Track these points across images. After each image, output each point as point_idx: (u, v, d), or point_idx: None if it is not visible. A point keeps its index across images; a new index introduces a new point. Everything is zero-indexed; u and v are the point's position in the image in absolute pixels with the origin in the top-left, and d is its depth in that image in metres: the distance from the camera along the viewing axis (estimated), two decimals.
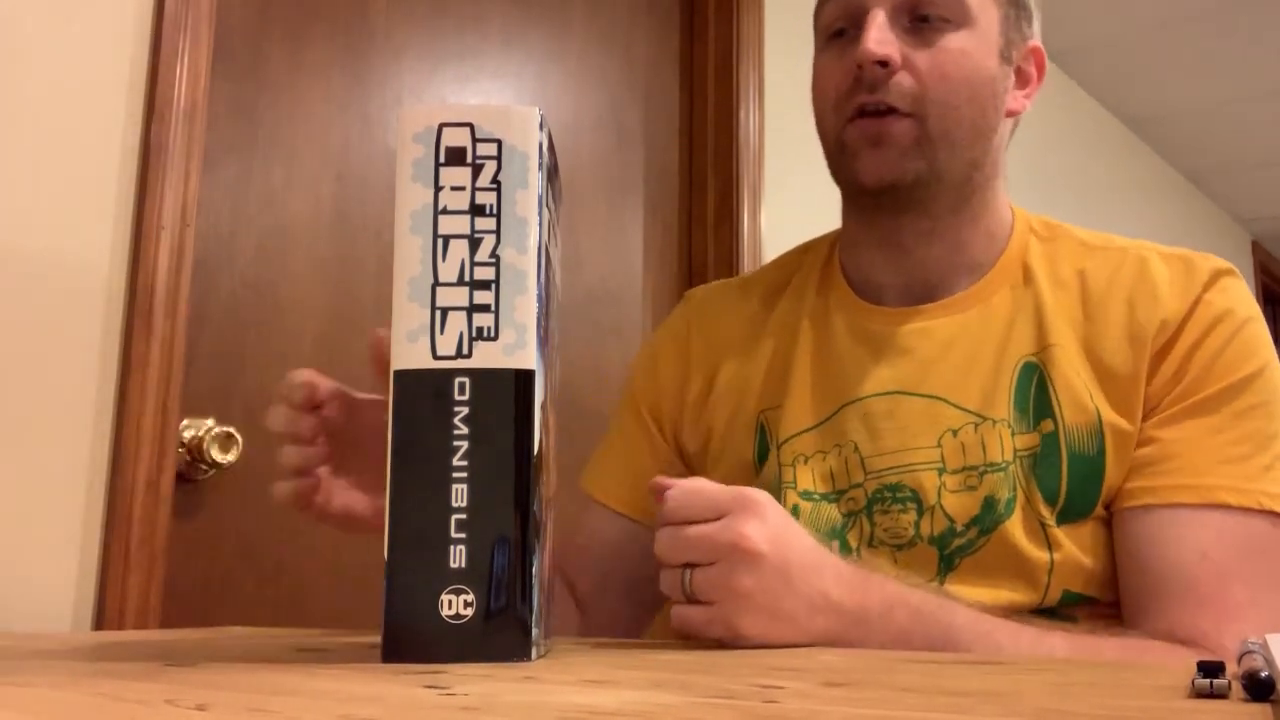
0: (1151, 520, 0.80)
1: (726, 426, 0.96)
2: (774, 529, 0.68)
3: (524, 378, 0.57)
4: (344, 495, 0.81)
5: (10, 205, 1.15)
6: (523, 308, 0.57)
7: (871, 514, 0.86)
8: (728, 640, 0.68)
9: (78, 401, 1.18)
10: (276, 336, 1.43)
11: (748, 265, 1.97)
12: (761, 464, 0.92)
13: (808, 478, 0.89)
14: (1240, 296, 0.85)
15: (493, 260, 0.57)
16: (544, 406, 0.60)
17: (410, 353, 0.57)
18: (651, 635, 0.99)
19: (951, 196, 0.89)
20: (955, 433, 0.85)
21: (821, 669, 0.54)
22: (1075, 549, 0.81)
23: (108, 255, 1.22)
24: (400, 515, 0.56)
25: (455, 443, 0.56)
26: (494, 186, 0.58)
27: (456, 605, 0.55)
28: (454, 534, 0.55)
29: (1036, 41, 0.94)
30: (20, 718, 0.39)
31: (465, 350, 0.57)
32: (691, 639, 0.69)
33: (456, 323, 0.57)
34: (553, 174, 0.65)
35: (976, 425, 0.85)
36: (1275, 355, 0.85)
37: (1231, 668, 0.42)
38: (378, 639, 0.56)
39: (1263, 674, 0.38)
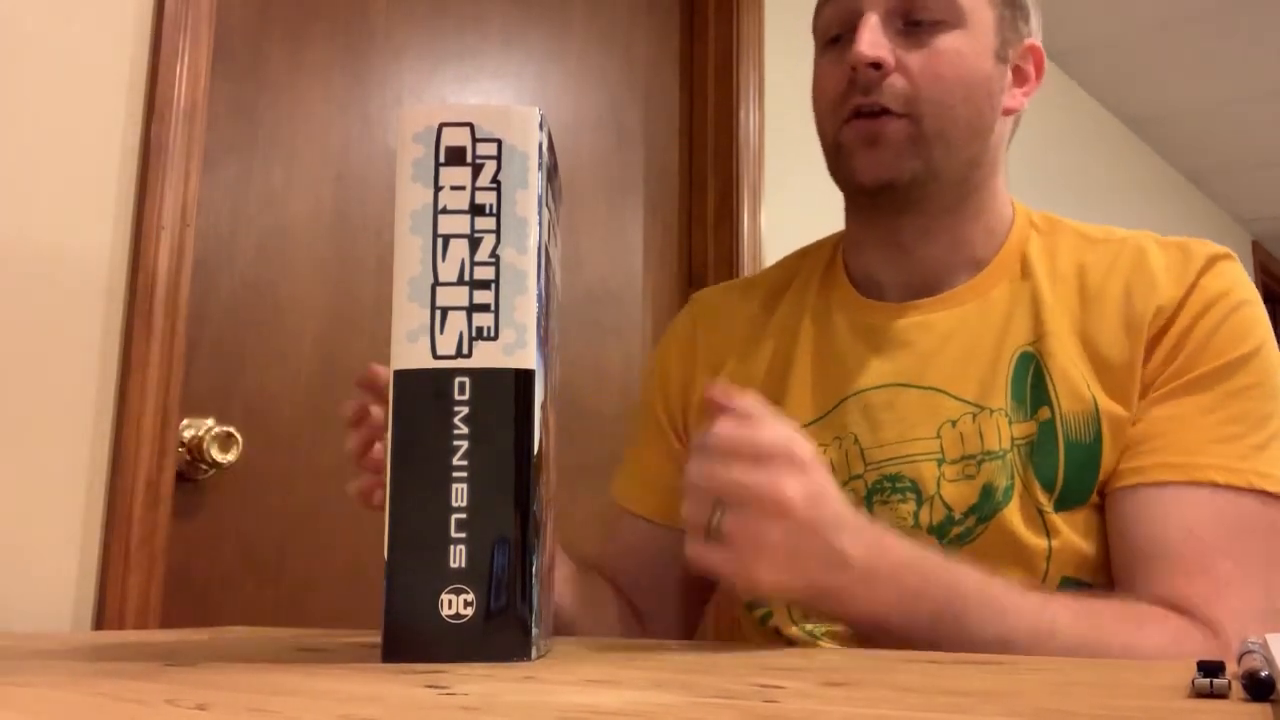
0: (1140, 498, 0.81)
1: None
2: (813, 486, 0.67)
3: (524, 377, 0.57)
4: None
5: (10, 205, 1.15)
6: (523, 308, 0.57)
7: (871, 504, 0.87)
8: (741, 588, 0.68)
9: (78, 401, 1.18)
10: (276, 336, 1.43)
11: (748, 265, 1.97)
12: None
13: None
14: (1236, 279, 0.85)
15: (493, 260, 0.57)
16: (544, 406, 0.60)
17: (410, 352, 0.57)
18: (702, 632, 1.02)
19: (950, 195, 0.90)
20: (954, 423, 0.86)
21: (821, 669, 0.54)
22: (1073, 535, 0.82)
23: (108, 255, 1.22)
24: (400, 515, 0.56)
25: (455, 442, 0.56)
26: (494, 186, 0.58)
27: (456, 605, 0.55)
28: (454, 534, 0.55)
29: (1035, 40, 0.94)
30: (20, 718, 0.39)
31: (465, 350, 0.57)
32: (698, 572, 0.68)
33: (456, 322, 0.57)
34: (553, 174, 0.65)
35: (974, 415, 0.86)
36: (1272, 337, 0.84)
37: (1231, 668, 0.42)
38: (378, 639, 0.56)
39: (1263, 674, 0.38)
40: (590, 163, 1.89)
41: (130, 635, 0.91)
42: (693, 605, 1.00)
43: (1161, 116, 3.62)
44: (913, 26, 0.87)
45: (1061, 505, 0.82)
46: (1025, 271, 0.90)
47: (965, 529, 0.83)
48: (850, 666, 0.55)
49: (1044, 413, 0.84)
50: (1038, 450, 0.83)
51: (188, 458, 1.31)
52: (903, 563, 0.71)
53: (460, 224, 0.58)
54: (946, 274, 0.92)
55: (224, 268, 1.38)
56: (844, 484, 0.88)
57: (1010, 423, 0.84)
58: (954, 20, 0.88)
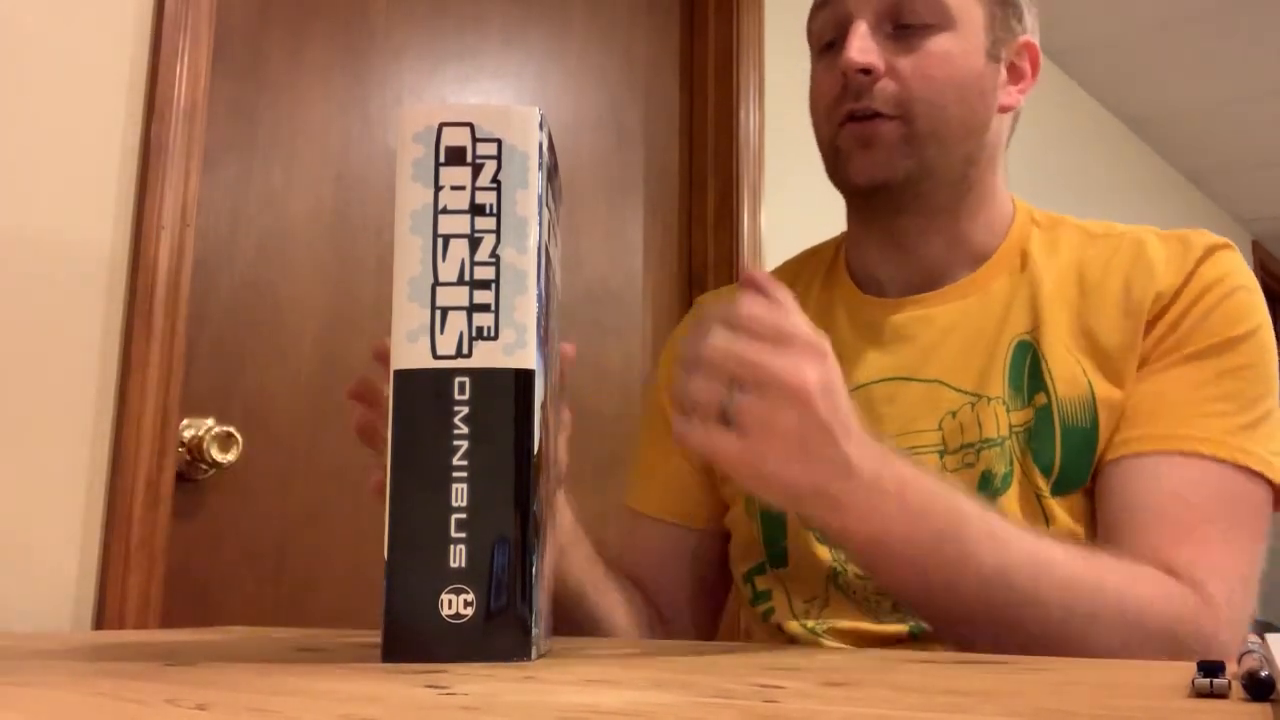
0: (1127, 467, 0.81)
1: None
2: (830, 380, 0.65)
3: (524, 377, 0.57)
4: None
5: (11, 204, 1.15)
6: (523, 307, 0.57)
7: None
8: (745, 477, 0.66)
9: (78, 401, 1.18)
10: (276, 336, 1.43)
11: (747, 265, 1.97)
12: None
13: None
14: (1235, 267, 0.86)
15: (493, 260, 0.57)
16: (544, 406, 0.60)
17: (410, 352, 0.57)
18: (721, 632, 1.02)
19: (947, 193, 0.91)
20: (954, 414, 0.87)
21: (821, 669, 0.54)
22: (1070, 520, 0.82)
23: (108, 255, 1.22)
24: (400, 515, 0.56)
25: (455, 442, 0.56)
26: (494, 186, 0.58)
27: (456, 605, 0.55)
28: (454, 533, 0.55)
29: (1030, 37, 0.95)
30: (20, 718, 0.39)
31: (465, 350, 0.57)
32: (697, 455, 0.66)
33: (456, 322, 0.57)
34: (553, 174, 0.65)
35: (973, 404, 0.86)
36: (1269, 324, 0.85)
37: (1231, 668, 0.42)
38: (378, 639, 0.56)
39: (1263, 674, 0.38)
40: (590, 163, 1.89)
41: (130, 635, 0.91)
42: (710, 605, 1.00)
43: (1161, 116, 3.62)
44: (902, 30, 0.89)
45: (1058, 489, 0.83)
46: (1025, 265, 0.91)
47: None
48: (850, 666, 0.55)
49: (1040, 399, 0.84)
50: (1035, 436, 0.84)
51: (188, 458, 1.31)
52: (907, 479, 0.69)
53: (460, 224, 0.58)
54: (946, 269, 0.93)
55: (224, 268, 1.38)
56: None
57: (1008, 410, 0.85)
58: (943, 22, 0.89)
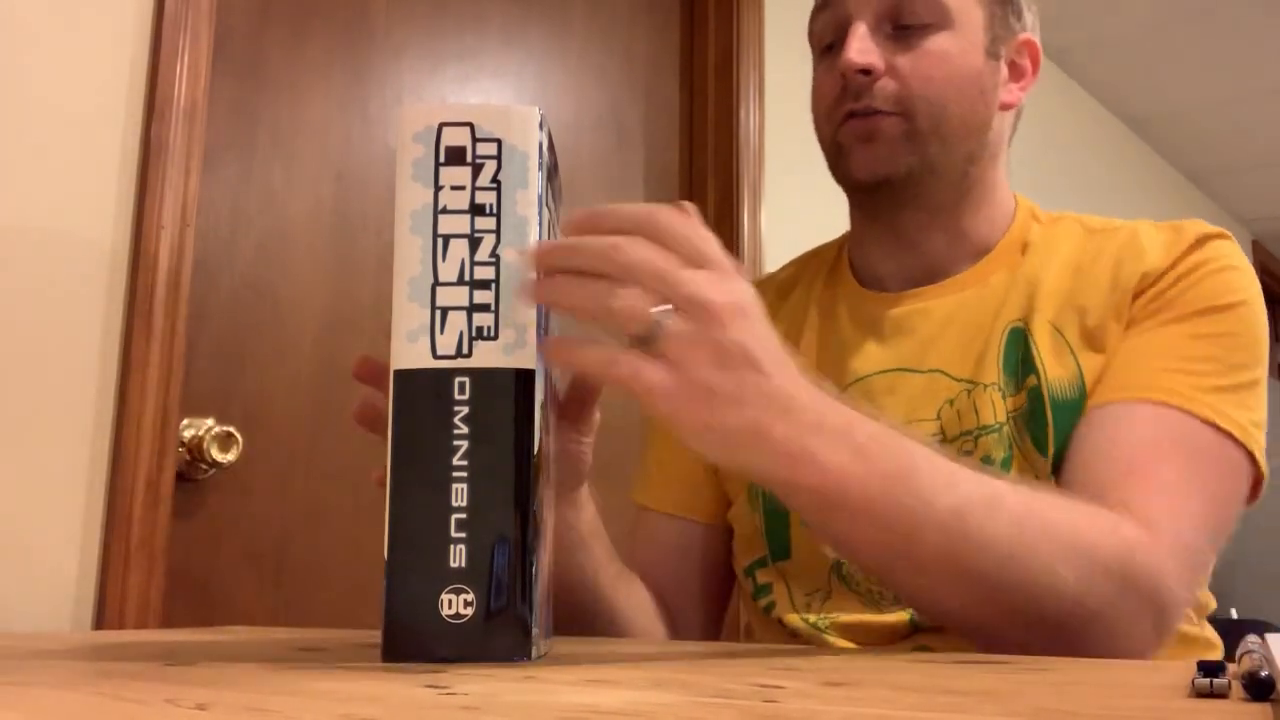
0: (1094, 416, 0.81)
1: None
2: (759, 307, 0.60)
3: (524, 377, 0.57)
4: None
5: (11, 204, 1.15)
6: (523, 308, 0.57)
7: None
8: (676, 416, 0.58)
9: (78, 401, 1.18)
10: (276, 336, 1.43)
11: (748, 265, 1.97)
12: None
13: None
14: (1228, 251, 0.86)
15: (493, 260, 0.57)
16: (544, 406, 0.60)
17: (410, 352, 0.57)
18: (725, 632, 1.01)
19: (949, 190, 0.92)
20: (951, 402, 0.87)
21: (821, 669, 0.54)
22: None
23: (108, 254, 1.22)
24: (400, 515, 0.56)
25: (455, 442, 0.56)
26: (494, 186, 0.58)
27: (456, 605, 0.55)
28: (454, 533, 0.55)
29: (1030, 35, 0.95)
30: (20, 718, 0.39)
31: (465, 350, 0.57)
32: (610, 384, 0.59)
33: (456, 322, 0.57)
34: (553, 173, 0.65)
35: (969, 391, 0.87)
36: (1260, 302, 0.84)
37: (1231, 667, 0.42)
38: (378, 639, 0.56)
39: (1263, 674, 0.38)
40: (590, 163, 1.89)
41: (130, 635, 0.91)
42: (717, 601, 1.00)
43: (1161, 116, 3.62)
44: (901, 31, 0.89)
45: (1057, 469, 0.83)
46: (1024, 257, 0.91)
47: None
48: (850, 666, 0.55)
49: (1031, 380, 0.85)
50: (1029, 419, 0.84)
51: (188, 458, 1.31)
52: (853, 420, 0.63)
53: (460, 224, 0.58)
54: (947, 264, 0.93)
55: (224, 268, 1.38)
56: None
57: (1004, 396, 0.85)
58: (941, 22, 0.89)
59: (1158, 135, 3.76)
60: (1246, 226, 4.52)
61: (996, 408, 0.85)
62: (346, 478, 1.43)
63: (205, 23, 1.32)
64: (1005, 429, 0.85)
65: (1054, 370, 0.84)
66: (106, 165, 1.23)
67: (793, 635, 0.89)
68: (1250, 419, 0.80)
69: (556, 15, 1.86)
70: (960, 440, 0.86)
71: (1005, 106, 0.93)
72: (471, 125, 0.58)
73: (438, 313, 0.57)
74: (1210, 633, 0.90)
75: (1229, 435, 0.78)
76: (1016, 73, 0.95)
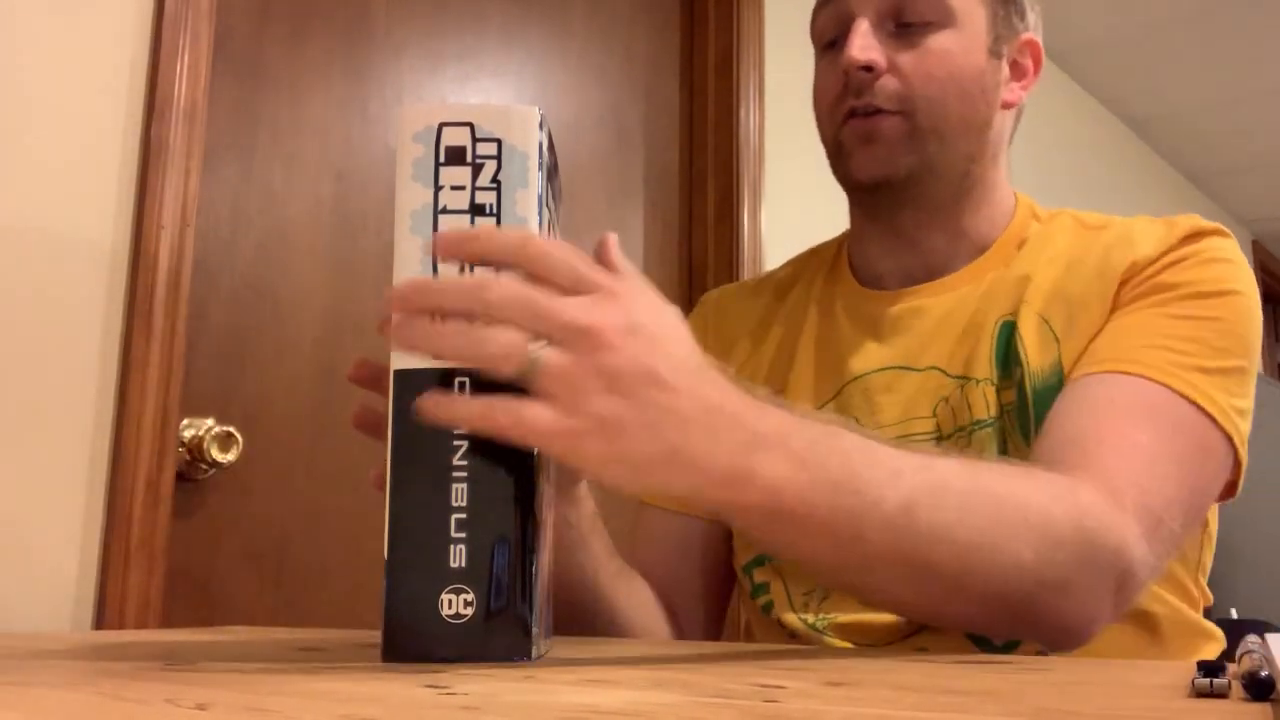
0: (1069, 387, 0.80)
1: None
2: (643, 320, 0.55)
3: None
4: None
5: (11, 204, 1.15)
6: None
7: None
8: (575, 459, 0.55)
9: (78, 401, 1.18)
10: (276, 336, 1.43)
11: (748, 264, 1.97)
12: None
13: None
14: (1222, 245, 0.85)
15: None
16: None
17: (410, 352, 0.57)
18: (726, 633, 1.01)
19: (949, 189, 0.92)
20: (946, 399, 0.87)
21: (821, 669, 0.54)
22: None
23: (108, 254, 1.22)
24: (400, 515, 0.56)
25: (455, 442, 0.56)
26: (494, 186, 0.58)
27: (456, 605, 0.55)
28: (454, 533, 0.55)
29: (1032, 34, 0.96)
30: (20, 718, 0.39)
31: None
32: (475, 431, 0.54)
33: None
34: (553, 173, 0.65)
35: (962, 387, 0.87)
36: (1253, 297, 0.83)
37: (1231, 667, 0.42)
38: (378, 639, 0.56)
39: (1263, 674, 0.38)
40: (590, 163, 1.89)
41: (130, 635, 0.91)
42: (718, 599, 1.00)
43: (1161, 116, 3.62)
44: (904, 28, 0.89)
45: None
46: (1019, 253, 0.91)
47: None
48: (850, 666, 0.55)
49: (1018, 373, 0.85)
50: (1018, 412, 0.84)
51: (188, 457, 1.31)
52: (787, 425, 0.60)
53: (460, 224, 0.58)
54: (946, 262, 0.93)
55: (224, 268, 1.38)
56: None
57: (997, 391, 0.85)
58: (944, 20, 0.89)
59: (1158, 135, 3.76)
60: (1246, 226, 4.52)
61: (989, 402, 0.85)
62: (346, 478, 1.43)
63: (205, 23, 1.32)
64: (1000, 424, 0.85)
65: (1037, 361, 0.84)
66: (106, 165, 1.23)
67: (791, 636, 0.89)
68: (1232, 404, 0.78)
69: (556, 15, 1.86)
70: (955, 436, 0.86)
71: (1006, 106, 0.94)
72: (471, 125, 0.58)
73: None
74: (1211, 625, 0.90)
75: (1209, 415, 0.77)
76: (1018, 72, 0.95)
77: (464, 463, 0.56)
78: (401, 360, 0.57)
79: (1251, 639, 0.44)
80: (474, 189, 0.58)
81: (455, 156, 0.58)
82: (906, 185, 0.89)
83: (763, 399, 0.60)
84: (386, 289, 0.55)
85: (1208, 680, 0.40)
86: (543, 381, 0.53)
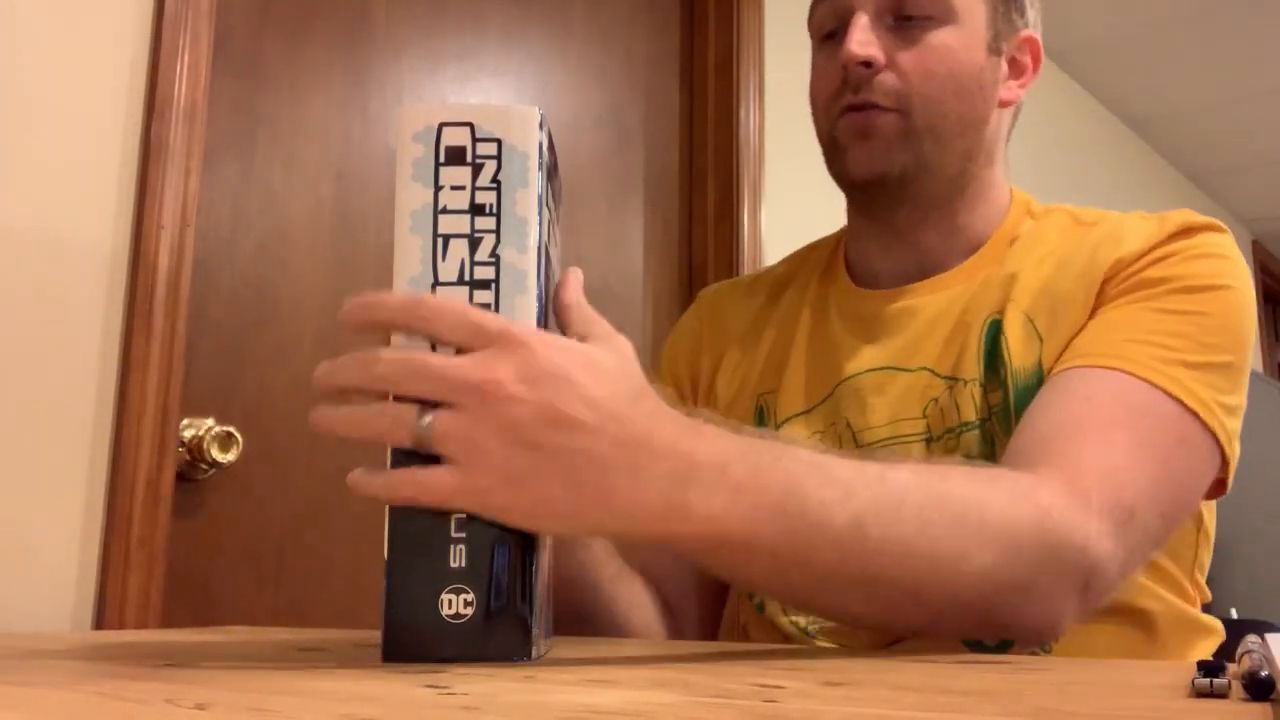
0: (1051, 381, 0.79)
1: (727, 408, 0.99)
2: (537, 367, 0.53)
3: None
4: None
5: (11, 205, 1.15)
6: (523, 308, 0.57)
7: None
8: (489, 512, 0.55)
9: (78, 401, 1.18)
10: (276, 336, 1.43)
11: (748, 263, 1.97)
12: None
13: None
14: (1215, 240, 0.83)
15: (493, 260, 0.57)
16: None
17: (411, 351, 0.57)
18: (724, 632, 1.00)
19: (945, 187, 0.91)
20: (936, 400, 0.87)
21: (821, 669, 0.54)
22: None
23: (108, 254, 1.22)
24: (400, 515, 0.56)
25: None
26: (494, 186, 0.58)
27: (456, 605, 0.55)
28: (454, 533, 0.55)
29: (1031, 32, 0.95)
30: (20, 718, 0.39)
31: None
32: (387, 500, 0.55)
33: None
34: (553, 173, 0.65)
35: (951, 388, 0.86)
36: (1245, 292, 0.82)
37: (1231, 667, 0.42)
38: (378, 639, 0.56)
39: (1263, 674, 0.38)
40: (590, 162, 1.89)
41: (130, 635, 0.91)
42: (715, 597, 1.00)
43: (1161, 116, 3.62)
44: (904, 22, 0.89)
45: None
46: (1010, 251, 0.91)
47: None
48: (850, 666, 0.55)
49: (1003, 372, 0.84)
50: (1004, 412, 0.83)
51: (188, 458, 1.31)
52: (727, 452, 0.58)
53: (460, 224, 0.58)
54: (941, 260, 0.93)
55: (224, 268, 1.38)
56: None
57: (985, 392, 0.85)
58: (944, 16, 0.89)
59: (1158, 135, 3.76)
60: (1246, 226, 4.52)
61: (977, 404, 0.85)
62: (346, 478, 1.43)
63: (205, 23, 1.32)
64: (987, 425, 0.84)
65: (1020, 360, 0.83)
66: (106, 165, 1.23)
67: (785, 638, 0.89)
68: (1217, 400, 0.77)
69: (556, 15, 1.86)
70: (945, 438, 0.85)
71: (1004, 104, 0.93)
72: (471, 125, 0.58)
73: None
74: (1208, 618, 0.89)
75: (1192, 412, 0.75)
76: (1017, 70, 0.94)
77: None
78: None
79: (1251, 639, 0.44)
80: (474, 189, 0.58)
81: (455, 156, 0.58)
82: (902, 183, 0.89)
83: (705, 425, 0.59)
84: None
85: (1208, 680, 0.40)
86: (439, 445, 0.53)
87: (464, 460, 0.53)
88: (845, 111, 0.89)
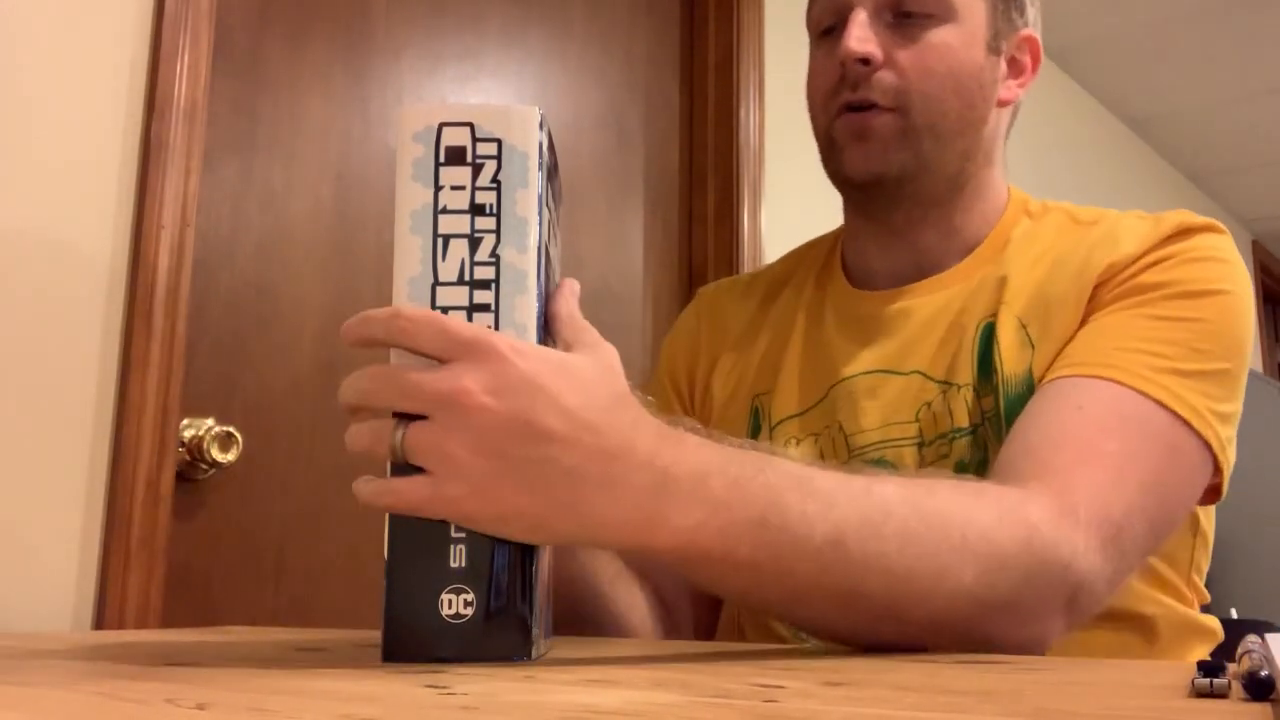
0: (1041, 390, 0.78)
1: (723, 409, 0.98)
2: (506, 378, 0.53)
3: None
4: None
5: (11, 204, 1.15)
6: (523, 307, 0.57)
7: None
8: (458, 519, 0.55)
9: (78, 401, 1.18)
10: (276, 336, 1.43)
11: (748, 264, 1.97)
12: None
13: None
14: (1213, 242, 0.83)
15: (493, 260, 0.57)
16: None
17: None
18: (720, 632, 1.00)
19: (943, 186, 0.91)
20: (929, 405, 0.86)
21: (821, 669, 0.54)
22: None
23: (108, 254, 1.22)
24: (400, 515, 0.56)
25: None
26: (494, 186, 0.58)
27: (456, 604, 0.55)
28: (454, 533, 0.55)
29: (1031, 31, 0.95)
30: (20, 718, 0.39)
31: None
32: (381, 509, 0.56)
33: None
34: (553, 173, 0.65)
35: (944, 393, 0.86)
36: (1244, 295, 0.81)
37: (1231, 667, 0.42)
38: (378, 639, 0.56)
39: (1263, 674, 0.38)
40: (590, 162, 1.89)
41: (130, 635, 0.91)
42: (711, 599, 0.98)
43: (1161, 116, 3.62)
44: (903, 19, 0.88)
45: None
46: (1004, 252, 0.90)
47: None
48: (850, 666, 0.55)
49: (995, 378, 0.83)
50: (995, 419, 0.83)
51: (188, 457, 1.31)
52: (707, 465, 0.58)
53: (460, 224, 0.58)
54: (938, 260, 0.93)
55: (224, 268, 1.38)
56: None
57: (979, 397, 0.84)
58: (944, 13, 0.88)
59: (1158, 135, 3.76)
60: (1246, 226, 4.52)
61: (971, 409, 0.84)
62: (346, 478, 1.42)
63: (205, 23, 1.32)
64: (980, 431, 0.83)
65: (1011, 366, 0.82)
66: (106, 165, 1.23)
67: (781, 641, 0.89)
68: (1211, 407, 0.76)
69: (556, 16, 1.86)
70: (937, 443, 0.84)
71: (1003, 103, 0.93)
72: (471, 125, 0.58)
73: (438, 313, 0.57)
74: (1206, 618, 0.89)
75: (1184, 421, 0.75)
76: (1016, 69, 0.94)
77: None
78: (402, 359, 0.57)
79: (1251, 639, 0.44)
80: (474, 189, 0.58)
81: (455, 156, 0.58)
82: (899, 183, 0.88)
83: (688, 434, 0.59)
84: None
85: (1208, 680, 0.40)
86: (412, 456, 0.54)
87: (436, 470, 0.54)
88: (843, 111, 0.88)
